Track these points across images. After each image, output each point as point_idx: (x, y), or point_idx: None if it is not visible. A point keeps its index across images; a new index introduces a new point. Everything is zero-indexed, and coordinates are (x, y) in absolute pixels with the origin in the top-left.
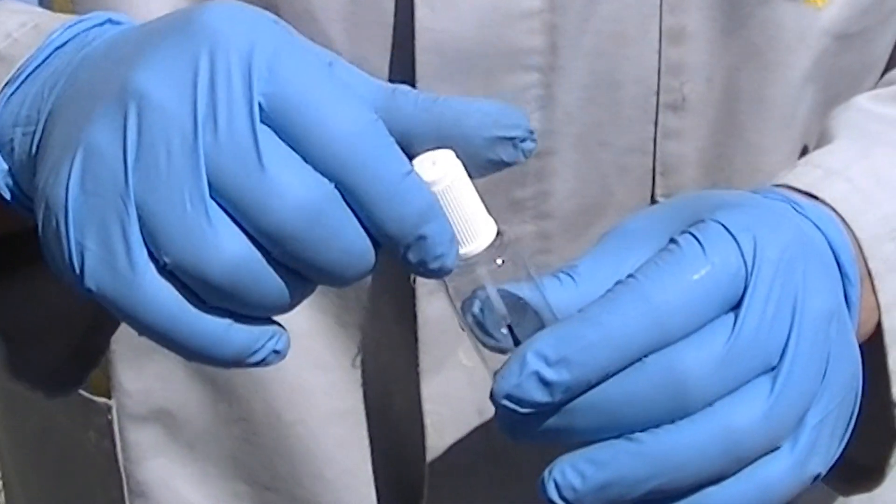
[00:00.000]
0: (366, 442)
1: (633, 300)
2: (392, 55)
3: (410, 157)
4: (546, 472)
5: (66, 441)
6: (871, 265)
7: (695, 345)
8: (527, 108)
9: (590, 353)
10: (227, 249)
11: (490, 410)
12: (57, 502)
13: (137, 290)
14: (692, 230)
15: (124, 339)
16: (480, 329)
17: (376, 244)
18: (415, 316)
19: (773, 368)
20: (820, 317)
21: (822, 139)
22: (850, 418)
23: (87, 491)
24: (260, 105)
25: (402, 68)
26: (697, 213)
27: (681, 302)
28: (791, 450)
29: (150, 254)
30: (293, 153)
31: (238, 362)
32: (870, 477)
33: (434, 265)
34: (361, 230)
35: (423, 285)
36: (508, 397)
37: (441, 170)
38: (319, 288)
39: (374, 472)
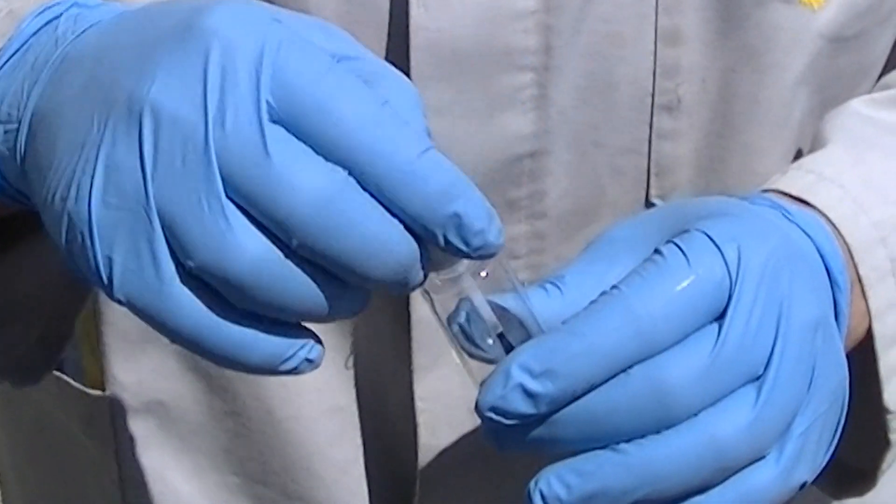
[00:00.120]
0: (358, 439)
1: (617, 311)
2: (387, 54)
3: None
4: (532, 483)
5: (61, 433)
6: (861, 271)
7: (679, 355)
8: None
9: (574, 364)
10: (247, 247)
11: None
12: (51, 495)
13: (166, 299)
14: (676, 240)
15: (118, 331)
16: (466, 340)
17: (419, 240)
18: (408, 314)
19: (758, 378)
20: (805, 325)
21: (816, 143)
22: (837, 426)
23: (81, 483)
24: (270, 104)
25: (397, 67)
26: (683, 222)
27: (665, 313)
28: (777, 458)
29: (178, 261)
30: (304, 146)
31: (268, 370)
32: (862, 481)
33: (476, 241)
34: (385, 218)
35: None
36: (493, 409)
37: None
38: None
39: (367, 468)
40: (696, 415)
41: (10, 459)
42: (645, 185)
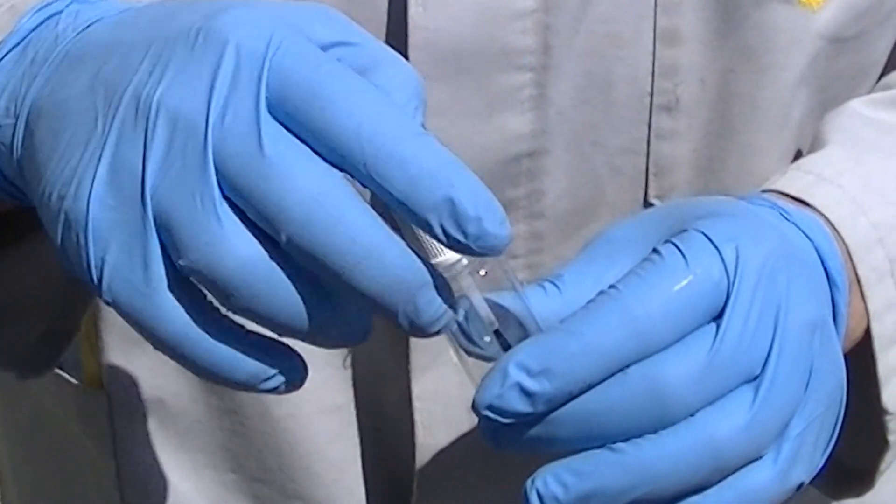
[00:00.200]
0: (356, 438)
1: (614, 311)
2: None
3: None
4: (529, 482)
5: (59, 431)
6: (859, 272)
7: (676, 355)
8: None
9: (571, 364)
10: (238, 248)
11: None
12: (50, 492)
13: (153, 305)
14: (674, 240)
15: (117, 329)
16: (464, 338)
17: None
18: None
19: (755, 378)
20: (803, 326)
21: (816, 144)
22: (835, 427)
23: (79, 481)
24: (269, 101)
25: None
26: (681, 221)
27: (662, 312)
28: (774, 459)
29: (169, 264)
30: (300, 144)
31: (250, 387)
32: (860, 482)
33: (472, 229)
34: (376, 224)
35: None
36: (490, 408)
37: None
38: None
39: (364, 467)
40: (693, 415)
41: (9, 457)
42: (643, 186)
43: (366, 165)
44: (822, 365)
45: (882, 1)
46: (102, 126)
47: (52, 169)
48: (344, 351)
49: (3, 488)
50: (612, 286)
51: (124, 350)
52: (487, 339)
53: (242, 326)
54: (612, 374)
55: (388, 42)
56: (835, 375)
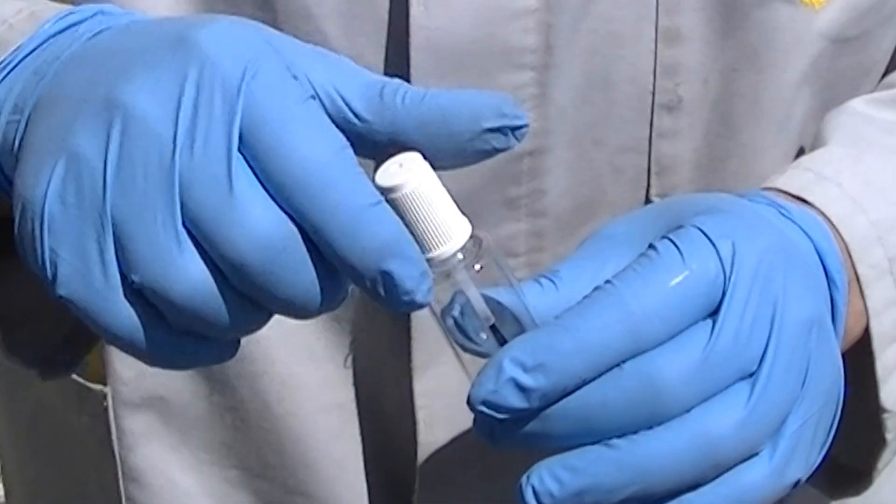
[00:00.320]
0: (357, 436)
1: (610, 306)
2: (387, 52)
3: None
4: (524, 478)
5: (61, 427)
6: (859, 270)
7: (672, 351)
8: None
9: (566, 359)
10: (192, 275)
11: None
12: (52, 488)
13: (110, 305)
14: (671, 236)
15: None
16: (460, 333)
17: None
18: (408, 312)
19: (751, 375)
20: (800, 323)
21: (817, 142)
22: (831, 425)
23: (81, 476)
24: (241, 134)
25: (397, 65)
26: (678, 218)
27: (658, 308)
28: (770, 456)
29: (122, 271)
30: (260, 188)
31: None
32: (858, 480)
33: (401, 302)
34: (314, 275)
35: None
36: (485, 403)
37: (407, 173)
38: None
39: (366, 465)
40: (688, 411)
41: (12, 453)
42: (645, 185)
43: (320, 227)
44: (819, 362)
45: (884, 1)
46: (68, 117)
47: (26, 160)
48: (345, 349)
49: (6, 483)
50: (607, 281)
51: None
52: (483, 334)
53: None
54: (608, 370)
55: (389, 42)
56: (832, 373)
